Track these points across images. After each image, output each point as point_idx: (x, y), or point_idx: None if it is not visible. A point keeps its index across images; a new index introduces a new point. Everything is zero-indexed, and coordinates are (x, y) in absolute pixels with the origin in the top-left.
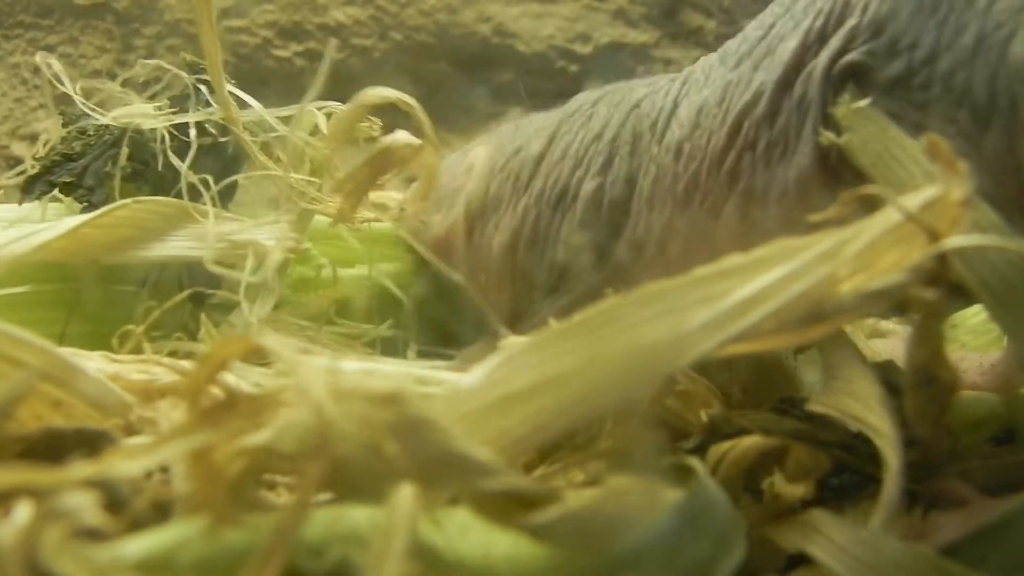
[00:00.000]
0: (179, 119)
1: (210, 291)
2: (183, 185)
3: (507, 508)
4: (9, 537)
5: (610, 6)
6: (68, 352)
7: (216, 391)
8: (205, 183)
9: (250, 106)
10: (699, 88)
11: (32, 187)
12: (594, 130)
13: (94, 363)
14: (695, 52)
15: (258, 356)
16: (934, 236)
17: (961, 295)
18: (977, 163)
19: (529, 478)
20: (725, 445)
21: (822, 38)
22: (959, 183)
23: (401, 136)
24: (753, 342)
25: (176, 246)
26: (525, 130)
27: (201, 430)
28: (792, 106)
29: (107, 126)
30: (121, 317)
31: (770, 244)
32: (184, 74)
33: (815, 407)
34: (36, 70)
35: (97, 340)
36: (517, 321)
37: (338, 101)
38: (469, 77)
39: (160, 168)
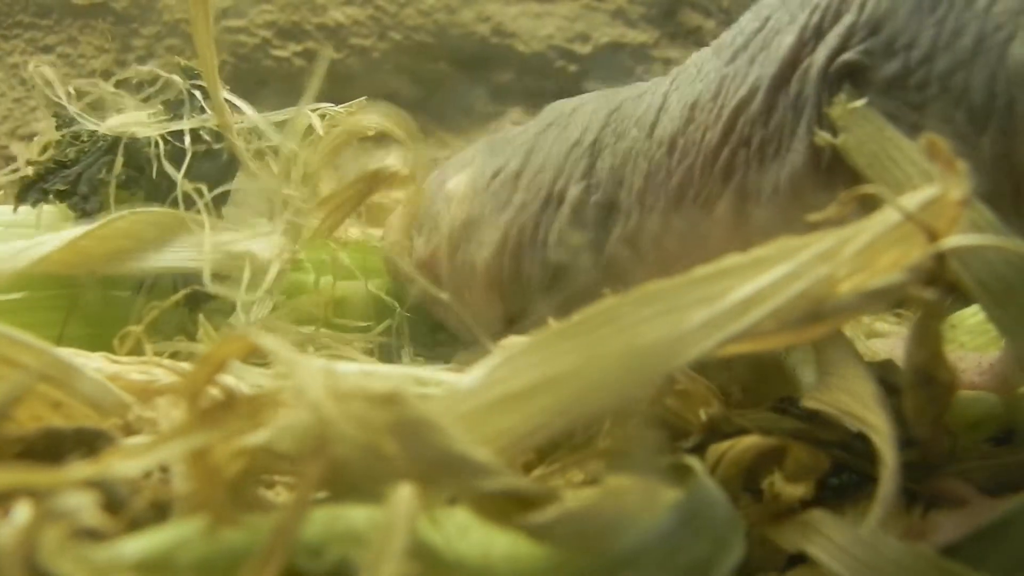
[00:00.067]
0: (173, 127)
1: (208, 293)
2: (178, 193)
3: (506, 508)
4: (8, 537)
5: (609, 6)
6: (67, 353)
7: (215, 391)
8: (199, 191)
9: (244, 111)
10: (691, 82)
11: (26, 194)
12: (571, 138)
13: (94, 364)
14: (694, 52)
15: (257, 356)
16: (933, 236)
17: (960, 295)
18: (973, 164)
19: (528, 478)
20: (724, 445)
21: (818, 34)
22: (958, 183)
23: (390, 160)
24: (752, 342)
25: (173, 257)
26: (502, 149)
27: (200, 430)
28: (788, 103)
29: (100, 134)
30: (118, 319)
31: (769, 244)
32: (178, 79)
33: (810, 403)
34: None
35: (95, 342)
36: (512, 327)
37: (337, 101)
38: (468, 77)
39: (154, 175)
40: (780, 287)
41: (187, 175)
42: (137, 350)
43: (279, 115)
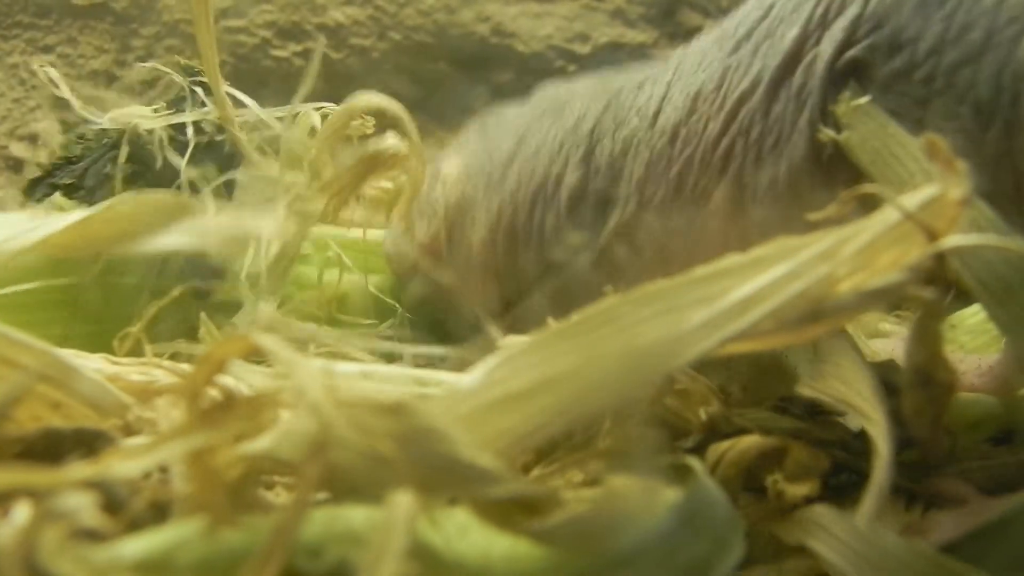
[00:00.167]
0: (176, 119)
1: (212, 286)
2: (183, 182)
3: (509, 513)
4: (8, 537)
5: (608, 6)
6: (66, 353)
7: (215, 392)
8: (204, 179)
9: (246, 106)
10: (694, 71)
11: (34, 190)
12: (568, 123)
13: (93, 364)
14: None
15: (259, 355)
16: (933, 235)
17: (960, 294)
18: (976, 161)
19: (531, 482)
20: (724, 444)
21: (823, 26)
22: (958, 182)
23: (389, 140)
24: (752, 341)
25: (177, 239)
26: (494, 131)
27: (200, 431)
28: (790, 96)
29: (106, 130)
30: (123, 315)
31: (768, 243)
32: (179, 77)
33: (804, 391)
34: (35, 70)
35: (100, 339)
36: (509, 311)
37: (336, 101)
38: (468, 77)
39: (158, 168)
40: (780, 287)
41: (190, 167)
42: (137, 350)
43: (279, 111)
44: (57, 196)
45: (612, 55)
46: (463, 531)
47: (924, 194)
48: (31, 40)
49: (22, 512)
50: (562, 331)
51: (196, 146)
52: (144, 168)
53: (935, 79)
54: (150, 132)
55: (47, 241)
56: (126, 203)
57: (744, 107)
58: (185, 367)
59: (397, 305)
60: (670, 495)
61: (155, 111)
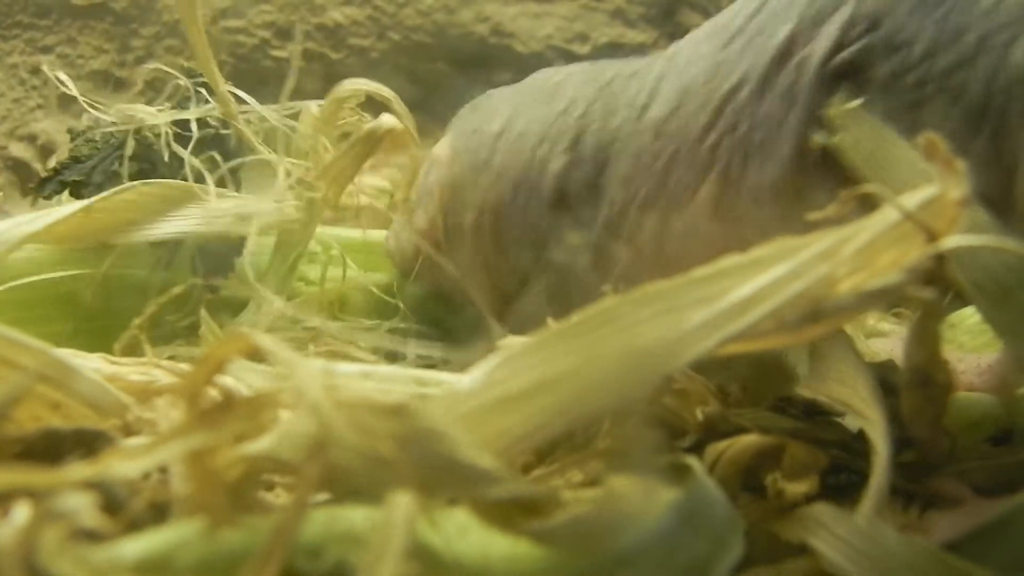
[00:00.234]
0: (180, 115)
1: (218, 282)
2: (187, 170)
3: (510, 514)
4: (7, 538)
5: (608, 6)
6: (66, 353)
7: (214, 392)
8: (208, 168)
9: (247, 104)
10: (685, 66)
11: (44, 187)
12: (557, 107)
13: (92, 364)
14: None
15: (259, 355)
16: (932, 236)
17: (959, 295)
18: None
19: (531, 483)
20: (722, 444)
21: (815, 25)
22: (957, 182)
23: (385, 120)
24: (751, 342)
25: (182, 225)
26: (483, 112)
27: (199, 431)
28: (779, 94)
29: (112, 132)
30: (130, 310)
31: (768, 243)
32: (183, 78)
33: (803, 392)
34: (34, 70)
35: (106, 334)
36: (505, 305)
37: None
38: (467, 77)
39: (166, 167)
40: (779, 287)
41: (194, 157)
42: (138, 348)
43: (280, 108)
44: (65, 195)
45: (612, 55)
46: (463, 532)
47: (923, 194)
48: (31, 40)
49: (22, 512)
50: (561, 331)
51: (201, 140)
52: (151, 167)
53: (928, 83)
54: (156, 135)
55: (52, 229)
56: (130, 191)
57: (731, 103)
58: (185, 367)
59: (400, 304)
60: (669, 495)
61: (160, 109)
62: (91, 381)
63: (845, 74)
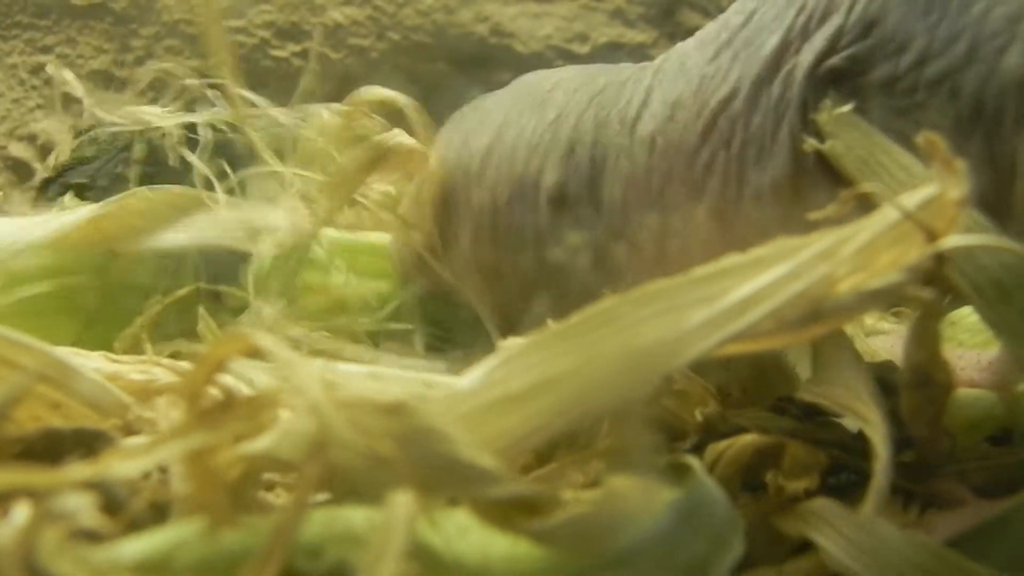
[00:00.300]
0: (187, 118)
1: (222, 288)
2: (195, 175)
3: (509, 513)
4: (7, 538)
5: (608, 6)
6: (65, 353)
7: (215, 391)
8: (217, 175)
9: (257, 105)
10: (674, 78)
11: (47, 189)
12: (548, 118)
13: (92, 364)
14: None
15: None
16: (932, 235)
17: (957, 295)
18: None
19: (531, 483)
20: (722, 444)
21: (804, 35)
22: (956, 182)
23: (395, 135)
24: (751, 342)
25: (189, 233)
26: (472, 122)
27: (199, 431)
28: (769, 106)
29: (117, 133)
30: (134, 309)
31: (767, 243)
32: (194, 78)
33: (804, 395)
34: (34, 70)
35: (110, 334)
36: (506, 316)
37: (335, 101)
38: (467, 77)
39: (172, 169)
40: (779, 287)
41: (202, 164)
42: (137, 348)
43: (291, 112)
44: (68, 197)
45: (611, 55)
46: (463, 532)
47: (923, 194)
48: (30, 40)
49: (22, 512)
50: (561, 331)
51: (209, 145)
52: (157, 169)
53: (917, 90)
54: (163, 135)
55: (59, 236)
56: (138, 198)
57: (723, 117)
58: (186, 366)
59: (403, 309)
60: (669, 494)
61: (167, 110)
62: (91, 381)
63: (835, 80)
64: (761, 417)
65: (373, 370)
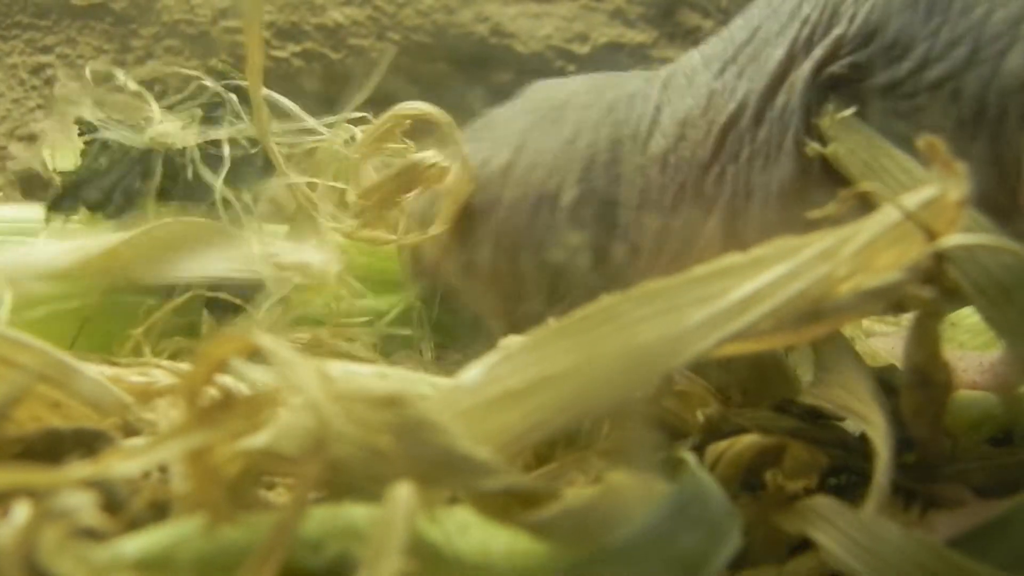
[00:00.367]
0: (209, 135)
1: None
2: (217, 200)
3: (507, 505)
4: (7, 537)
5: (608, 6)
6: (65, 353)
7: (214, 391)
8: (237, 196)
9: (284, 111)
10: (682, 95)
11: (60, 204)
12: (564, 135)
13: (93, 365)
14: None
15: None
16: (932, 235)
17: (958, 295)
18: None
19: (528, 476)
20: (723, 444)
21: (808, 47)
22: (956, 183)
23: (430, 155)
24: (751, 341)
25: (213, 266)
26: (487, 138)
27: (199, 430)
28: (775, 117)
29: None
30: (134, 312)
31: (768, 243)
32: (202, 80)
33: (806, 399)
34: (34, 70)
35: (109, 338)
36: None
37: (335, 102)
38: (467, 77)
39: (190, 182)
40: (779, 287)
41: (225, 180)
42: (137, 351)
43: (321, 120)
44: (81, 214)
45: (611, 55)
46: (463, 528)
47: (923, 194)
48: (31, 40)
49: (22, 512)
50: (561, 329)
51: (230, 159)
52: (173, 182)
53: (919, 94)
54: (182, 151)
55: (76, 264)
56: (162, 228)
57: (732, 132)
58: (185, 367)
59: (408, 314)
60: (666, 488)
61: (187, 124)
62: (91, 381)
63: (836, 86)
64: (762, 417)
65: (373, 369)
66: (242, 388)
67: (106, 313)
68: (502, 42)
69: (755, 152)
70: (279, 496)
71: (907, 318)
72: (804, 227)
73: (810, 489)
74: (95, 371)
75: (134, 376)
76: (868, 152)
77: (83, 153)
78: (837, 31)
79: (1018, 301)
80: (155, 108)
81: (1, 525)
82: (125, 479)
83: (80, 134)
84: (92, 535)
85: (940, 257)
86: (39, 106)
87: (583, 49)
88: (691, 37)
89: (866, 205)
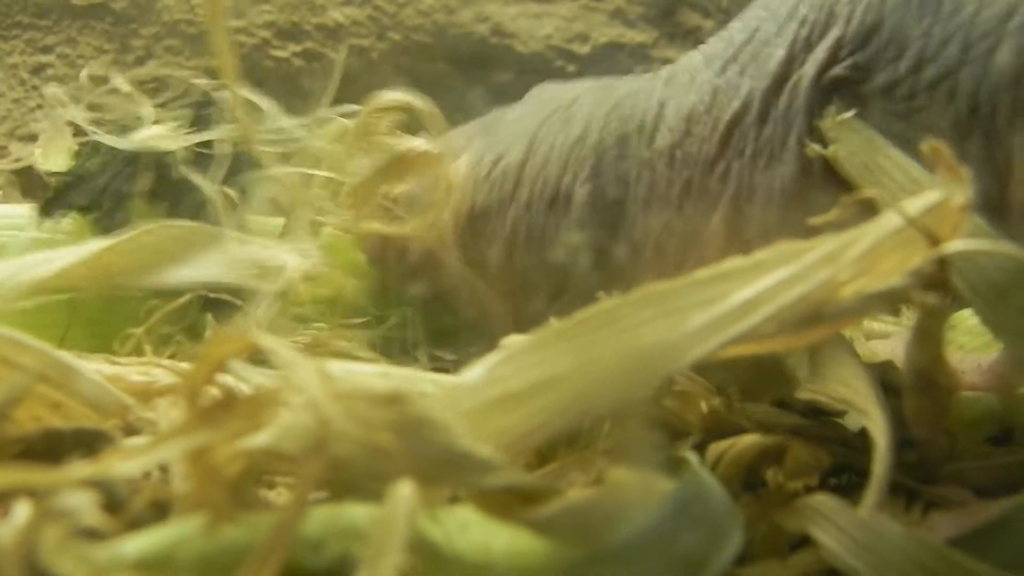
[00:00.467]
0: (197, 138)
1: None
2: (206, 198)
3: (508, 503)
4: (8, 537)
5: (608, 6)
6: (66, 354)
7: (215, 391)
8: (227, 198)
9: (264, 110)
10: (685, 91)
11: (50, 208)
12: (575, 133)
13: (93, 365)
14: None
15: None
16: (935, 240)
17: (956, 298)
18: None
19: (529, 474)
20: (724, 444)
21: (808, 48)
22: (960, 188)
23: (419, 143)
24: (753, 344)
25: (199, 272)
26: (499, 134)
27: (199, 429)
28: (778, 116)
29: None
30: (129, 320)
31: (771, 247)
32: (193, 79)
33: (804, 395)
34: (35, 70)
35: (108, 337)
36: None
37: (335, 102)
38: (467, 77)
39: (178, 182)
40: (781, 290)
41: (210, 177)
42: (138, 350)
43: (302, 119)
44: (71, 219)
45: (611, 55)
46: (464, 527)
47: (926, 199)
48: (31, 40)
49: (22, 512)
50: (563, 331)
51: (217, 158)
52: (163, 183)
53: (916, 95)
54: (172, 152)
55: (66, 273)
56: (149, 234)
57: (737, 128)
58: (185, 367)
59: (402, 309)
60: (667, 487)
61: (177, 126)
62: (92, 381)
63: (838, 88)
64: (763, 415)
65: (373, 369)
66: (243, 388)
67: (106, 312)
68: (502, 42)
69: (759, 150)
70: (280, 496)
71: (908, 319)
72: (806, 228)
73: (811, 488)
74: (95, 371)
75: (135, 376)
76: (868, 153)
77: (76, 155)
78: (835, 32)
79: (1015, 303)
80: (147, 110)
81: (1, 525)
82: (125, 479)
83: (74, 134)
84: (92, 535)
85: (943, 262)
86: (39, 106)
87: (583, 49)
88: (691, 37)
89: (869, 209)
